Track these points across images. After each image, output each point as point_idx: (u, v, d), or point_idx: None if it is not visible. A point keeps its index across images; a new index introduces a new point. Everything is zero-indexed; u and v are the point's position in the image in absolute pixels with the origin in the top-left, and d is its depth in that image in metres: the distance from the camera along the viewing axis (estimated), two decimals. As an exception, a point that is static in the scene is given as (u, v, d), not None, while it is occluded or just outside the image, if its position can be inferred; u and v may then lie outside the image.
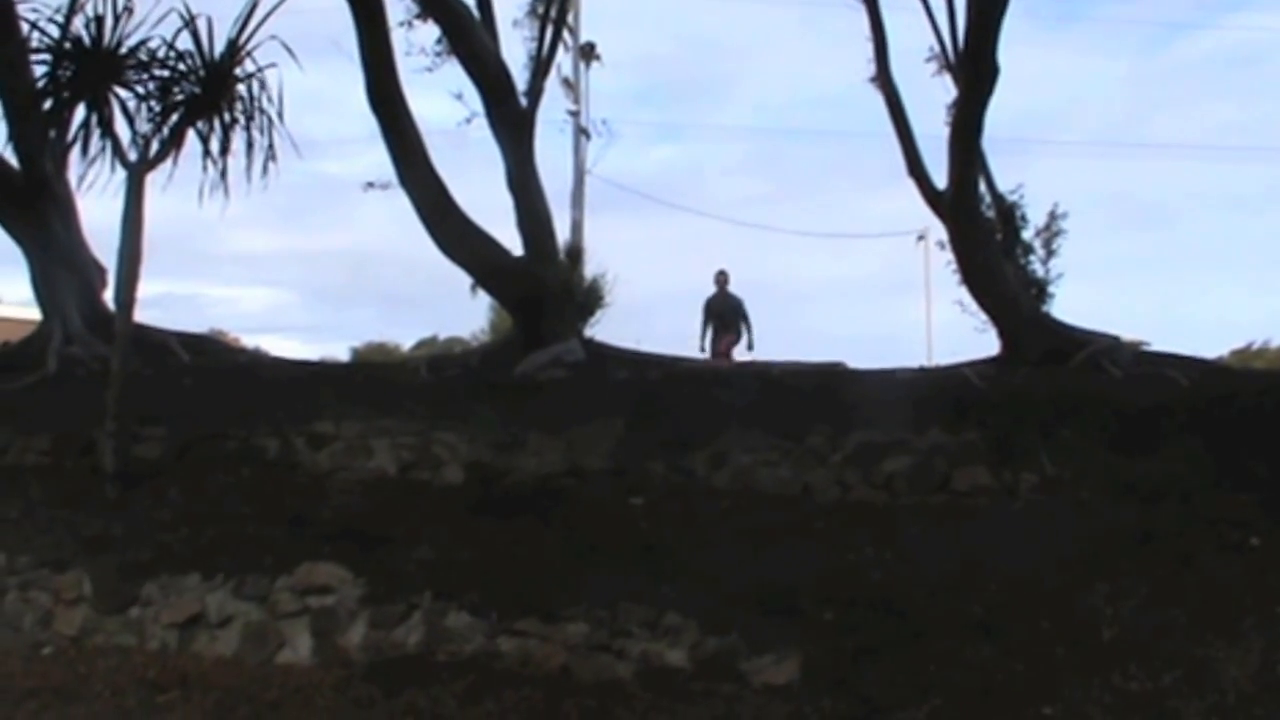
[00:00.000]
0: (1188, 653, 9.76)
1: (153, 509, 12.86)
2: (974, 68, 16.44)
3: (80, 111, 13.99)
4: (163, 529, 12.40)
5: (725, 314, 24.21)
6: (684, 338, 21.78)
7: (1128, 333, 17.49)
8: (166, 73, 13.84)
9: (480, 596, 10.94)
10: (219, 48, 13.94)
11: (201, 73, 13.84)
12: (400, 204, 17.57)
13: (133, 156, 13.76)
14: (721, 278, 24.49)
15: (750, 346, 23.95)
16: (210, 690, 10.47)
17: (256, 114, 14.02)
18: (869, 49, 18.99)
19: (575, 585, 11.02)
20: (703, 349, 23.94)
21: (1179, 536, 11.30)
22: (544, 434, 13.65)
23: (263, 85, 14.09)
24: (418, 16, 19.27)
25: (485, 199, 18.53)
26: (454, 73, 18.56)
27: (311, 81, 15.43)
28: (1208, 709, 9.12)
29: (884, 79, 18.66)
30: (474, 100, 18.21)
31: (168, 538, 12.21)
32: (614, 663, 10.44)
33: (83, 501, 13.10)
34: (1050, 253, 19.24)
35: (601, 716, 9.69)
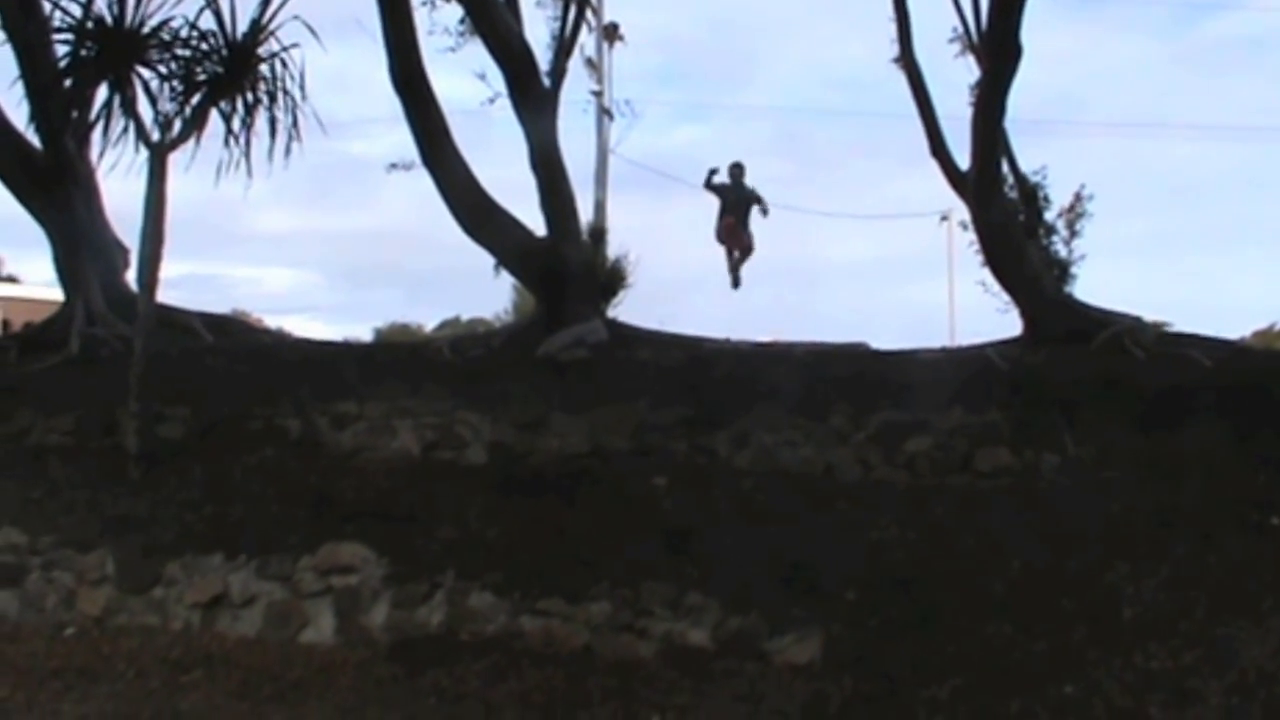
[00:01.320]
0: (1208, 632, 9.75)
1: (176, 489, 12.89)
2: (997, 48, 16.37)
3: (103, 91, 13.99)
4: (186, 509, 12.44)
5: (738, 204, 21.46)
6: (708, 319, 21.30)
7: (1150, 314, 17.41)
8: (189, 52, 13.83)
9: (503, 576, 10.97)
10: (241, 27, 13.93)
11: (224, 52, 13.83)
12: (424, 184, 17.56)
13: (155, 136, 13.76)
14: (737, 170, 21.55)
15: (764, 211, 21.31)
16: (234, 670, 10.52)
17: (279, 94, 14.02)
18: (892, 30, 18.91)
19: (598, 565, 11.05)
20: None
21: (1200, 516, 11.28)
22: (567, 414, 13.66)
23: (285, 65, 14.08)
24: (441, -4, 19.23)
25: (508, 179, 18.50)
26: (477, 52, 18.51)
27: (334, 61, 15.45)
28: (1228, 688, 9.12)
29: (907, 60, 18.57)
30: (497, 80, 18.14)
31: (191, 518, 12.25)
32: (636, 642, 10.47)
33: (106, 482, 13.14)
34: (1073, 233, 19.20)
35: (624, 696, 9.71)
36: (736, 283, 21.47)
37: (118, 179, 14.07)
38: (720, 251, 21.26)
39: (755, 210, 21.29)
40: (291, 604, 11.26)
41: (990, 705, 9.19)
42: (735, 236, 21.13)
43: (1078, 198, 19.24)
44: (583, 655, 10.45)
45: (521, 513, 12.10)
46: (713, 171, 21.06)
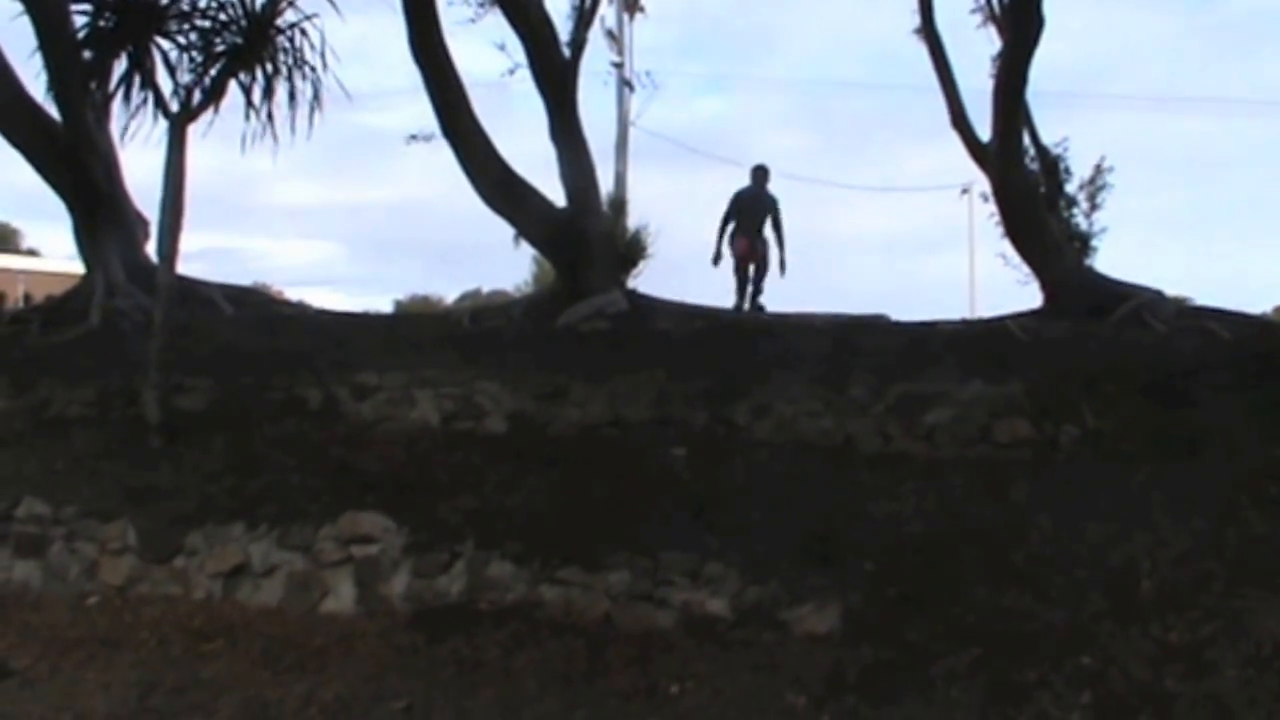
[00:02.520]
0: (1226, 605, 9.73)
1: (197, 460, 12.94)
2: (1018, 20, 16.37)
3: (122, 63, 13.99)
4: (207, 479, 12.49)
5: (755, 214, 20.49)
6: (727, 291, 20.96)
7: (1171, 288, 17.40)
8: (208, 23, 13.84)
9: (523, 545, 11.00)
10: (260, -2, 13.95)
11: (243, 23, 13.83)
12: (444, 156, 17.58)
13: (174, 108, 13.78)
14: (760, 174, 20.64)
15: (782, 267, 20.37)
16: (255, 639, 10.56)
17: (299, 65, 14.01)
18: (914, 1, 18.89)
19: (617, 534, 11.06)
20: (718, 254, 20.42)
21: (1219, 490, 11.24)
22: (586, 384, 13.67)
23: (305, 35, 14.07)
24: (460, -33, 19.21)
25: (528, 151, 18.50)
26: (497, 23, 18.50)
27: (354, 32, 15.43)
28: (1245, 660, 9.10)
29: (929, 31, 18.54)
30: (517, 51, 18.14)
31: (212, 488, 12.30)
32: (656, 612, 10.48)
33: (127, 452, 13.19)
34: (1094, 206, 19.18)
35: (643, 665, 9.73)
36: (745, 307, 20.19)
37: (137, 151, 14.10)
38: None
39: (770, 237, 20.37)
40: (312, 573, 11.30)
41: (1007, 675, 9.18)
42: (752, 251, 20.26)
43: (1098, 170, 19.23)
44: (602, 624, 10.48)
45: (541, 482, 12.13)
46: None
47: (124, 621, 11.03)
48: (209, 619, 10.97)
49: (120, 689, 9.72)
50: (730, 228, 20.36)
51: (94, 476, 12.64)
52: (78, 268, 19.72)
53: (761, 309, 19.64)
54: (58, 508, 12.12)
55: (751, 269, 20.27)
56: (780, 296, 20.04)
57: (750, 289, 20.29)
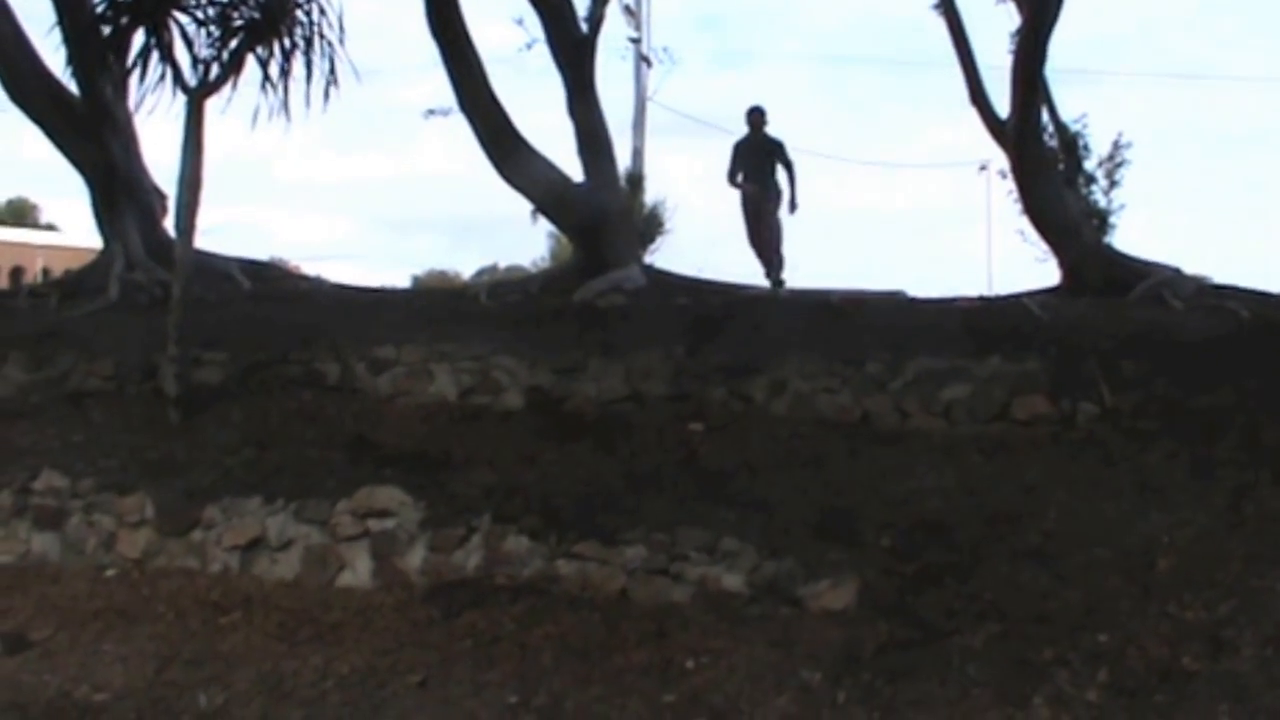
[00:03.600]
0: (1244, 583, 9.70)
1: (214, 433, 12.97)
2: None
3: (140, 37, 13.99)
4: (224, 453, 12.51)
5: (759, 161, 19.63)
6: (746, 266, 20.78)
7: (1191, 266, 17.33)
8: (226, -2, 13.85)
9: (540, 520, 11.00)
10: (278, -28, 13.93)
11: (261, -2, 13.84)
12: (461, 131, 17.59)
13: (192, 82, 13.79)
14: (756, 117, 19.73)
15: (793, 206, 19.60)
16: (272, 612, 10.60)
17: (316, 39, 14.00)
18: (933, -25, 18.82)
19: (634, 510, 11.07)
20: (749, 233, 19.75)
21: (1238, 468, 11.21)
22: (604, 359, 13.66)
23: (322, 10, 14.05)
24: (478, -58, 19.20)
25: (545, 125, 18.50)
26: (515, -2, 18.50)
27: (372, 7, 15.42)
28: (1263, 639, 9.07)
29: (947, 6, 18.47)
30: (534, 26, 18.14)
31: (229, 461, 12.32)
32: (672, 586, 10.49)
33: (145, 426, 13.23)
34: (1113, 183, 19.16)
35: (659, 640, 9.74)
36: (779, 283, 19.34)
37: (155, 125, 14.12)
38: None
39: (782, 181, 19.44)
40: (329, 547, 11.32)
41: (1024, 653, 9.17)
42: (760, 221, 19.40)
43: (1117, 147, 19.19)
44: (618, 599, 10.49)
45: (558, 457, 12.14)
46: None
47: (141, 594, 11.07)
48: (226, 592, 11.00)
49: (138, 661, 9.76)
50: (740, 179, 19.69)
51: (112, 450, 12.67)
52: (96, 243, 19.74)
53: (781, 284, 19.46)
54: (76, 480, 12.15)
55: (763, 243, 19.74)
56: (798, 273, 19.94)
57: (767, 268, 19.84)
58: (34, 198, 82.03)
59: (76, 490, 12.08)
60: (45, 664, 9.82)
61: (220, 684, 9.37)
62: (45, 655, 9.99)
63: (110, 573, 11.57)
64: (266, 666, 9.58)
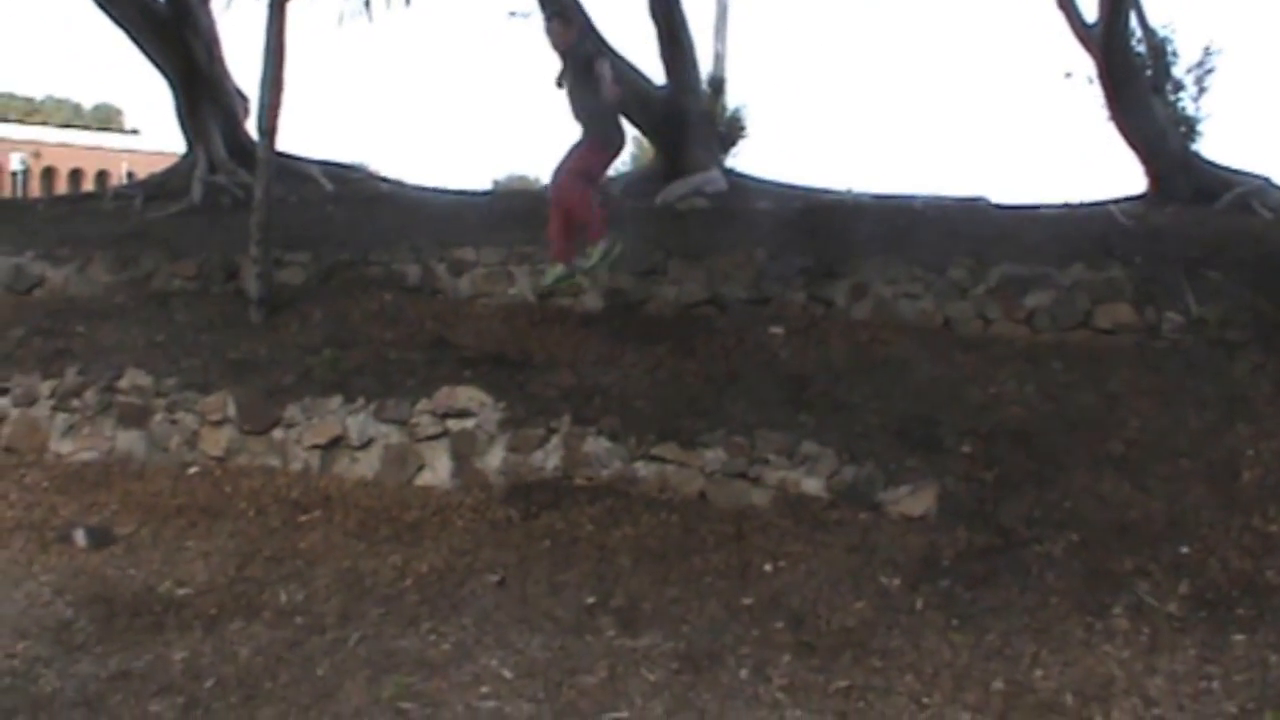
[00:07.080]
0: (1330, 495, 9.61)
1: (295, 333, 13.04)
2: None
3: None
4: (305, 352, 12.56)
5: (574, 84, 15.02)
6: (827, 170, 20.65)
7: (1280, 176, 17.02)
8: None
9: (619, 422, 10.99)
10: None
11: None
12: (541, 34, 17.47)
13: (274, -18, 13.76)
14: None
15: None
16: (351, 511, 10.67)
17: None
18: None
19: (713, 413, 11.04)
20: None
21: (1325, 378, 11.09)
22: (684, 262, 13.60)
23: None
24: None
25: (627, 28, 18.37)
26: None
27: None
28: (1349, 551, 8.98)
29: (1037, -93, 18.17)
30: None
31: (310, 361, 12.36)
32: (750, 490, 10.47)
33: (227, 326, 13.31)
34: (1201, 90, 18.77)
35: (737, 542, 9.73)
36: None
37: (237, 28, 14.12)
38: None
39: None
40: (408, 447, 11.36)
41: (1104, 562, 9.10)
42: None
43: (1206, 53, 18.79)
44: (697, 502, 10.48)
45: (637, 360, 12.11)
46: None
47: (223, 491, 11.18)
48: (306, 490, 11.10)
49: (219, 557, 9.84)
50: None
51: (195, 349, 12.76)
52: (180, 147, 19.85)
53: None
54: (159, 379, 12.24)
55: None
56: (880, 178, 19.87)
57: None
58: (118, 103, 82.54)
59: (160, 389, 12.17)
60: (130, 559, 9.92)
61: (299, 581, 9.43)
62: (130, 550, 10.10)
63: (193, 470, 11.68)
64: (345, 564, 9.64)
